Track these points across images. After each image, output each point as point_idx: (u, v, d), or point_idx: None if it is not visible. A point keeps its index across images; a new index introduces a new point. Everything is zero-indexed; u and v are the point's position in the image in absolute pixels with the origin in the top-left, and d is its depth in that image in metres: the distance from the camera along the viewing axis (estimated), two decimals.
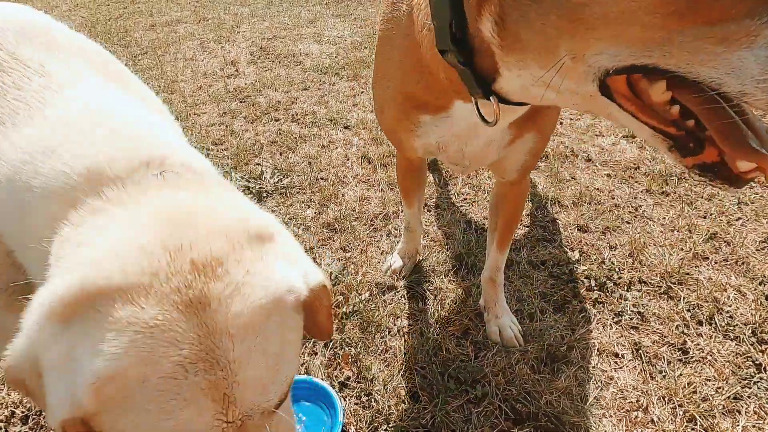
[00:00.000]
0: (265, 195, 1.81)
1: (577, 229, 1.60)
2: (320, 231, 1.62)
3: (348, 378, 1.14)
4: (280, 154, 2.09)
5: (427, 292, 1.37)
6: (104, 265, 0.44)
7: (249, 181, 1.87)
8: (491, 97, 0.61)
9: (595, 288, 1.36)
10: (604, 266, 1.43)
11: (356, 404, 1.08)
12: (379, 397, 1.08)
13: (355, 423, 1.04)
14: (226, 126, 2.33)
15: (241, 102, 2.60)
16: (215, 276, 0.45)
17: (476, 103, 0.65)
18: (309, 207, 1.75)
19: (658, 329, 1.23)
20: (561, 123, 2.28)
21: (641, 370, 1.14)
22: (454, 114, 0.80)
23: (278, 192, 1.84)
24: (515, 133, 0.87)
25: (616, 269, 1.42)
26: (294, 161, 2.02)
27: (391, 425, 1.03)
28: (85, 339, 0.42)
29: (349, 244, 1.56)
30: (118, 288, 0.42)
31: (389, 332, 1.25)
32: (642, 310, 1.28)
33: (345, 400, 1.09)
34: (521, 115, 0.79)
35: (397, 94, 0.86)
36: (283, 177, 1.91)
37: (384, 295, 1.37)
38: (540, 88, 0.54)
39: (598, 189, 1.79)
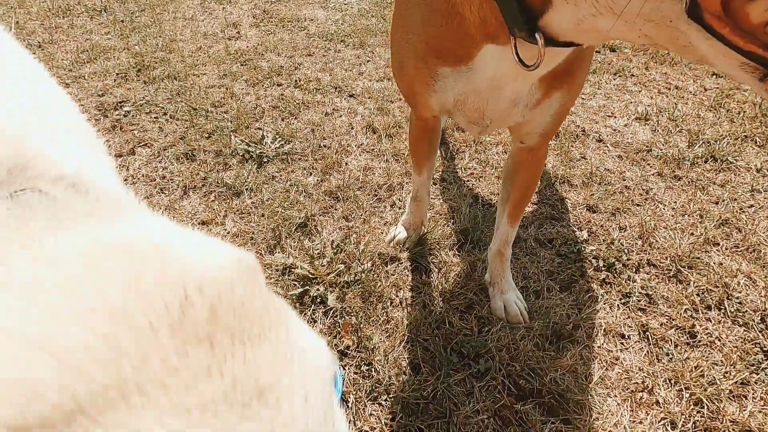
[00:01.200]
0: (265, 160, 1.75)
1: (586, 209, 1.56)
2: (322, 199, 1.56)
3: (348, 347, 1.10)
4: (282, 119, 2.02)
5: (431, 265, 1.33)
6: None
7: (249, 146, 1.80)
8: (537, 34, 0.54)
9: (603, 268, 1.33)
10: (612, 247, 1.39)
11: (356, 373, 1.05)
12: (379, 367, 1.05)
13: (354, 392, 1.01)
14: (227, 89, 2.24)
15: (242, 65, 2.50)
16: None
17: (515, 45, 0.59)
18: (311, 174, 1.69)
19: (666, 312, 1.20)
20: None
21: (647, 351, 1.12)
22: (477, 66, 0.73)
23: (279, 158, 1.77)
24: (544, 92, 0.80)
25: (625, 251, 1.38)
26: (296, 127, 1.95)
27: (391, 395, 1.00)
28: None
29: (352, 213, 1.51)
30: None
31: (391, 303, 1.22)
32: (650, 293, 1.25)
33: (344, 368, 1.06)
34: (553, 71, 0.73)
35: (417, 42, 0.79)
36: (285, 143, 1.85)
37: (386, 266, 1.33)
38: (605, 18, 0.47)
39: (608, 170, 1.74)
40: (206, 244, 0.36)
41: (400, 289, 1.26)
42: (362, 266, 1.31)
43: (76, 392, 0.23)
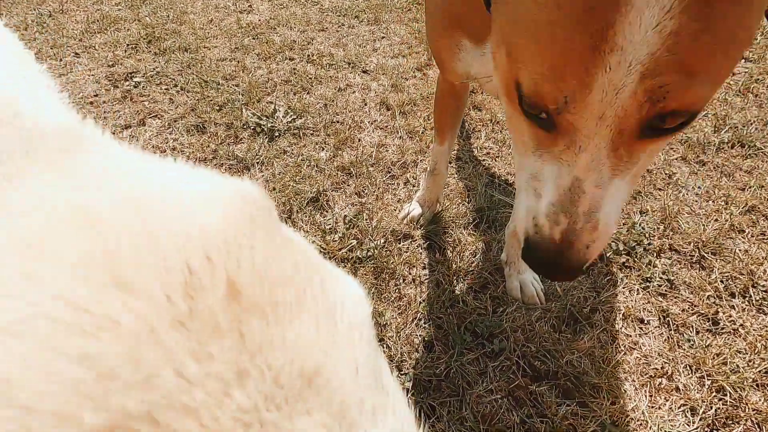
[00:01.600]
0: (277, 134, 1.71)
1: None
2: (334, 174, 1.53)
3: None
4: (294, 93, 1.97)
5: (446, 243, 1.30)
6: None
7: (260, 119, 1.76)
8: None
9: (623, 252, 1.28)
10: (633, 231, 1.34)
11: None
12: (391, 343, 1.03)
13: None
14: (238, 62, 2.19)
15: (254, 38, 2.44)
16: None
17: None
18: (323, 149, 1.65)
19: (688, 298, 1.17)
20: None
21: (668, 337, 1.08)
22: (489, 50, 0.71)
23: (291, 132, 1.73)
24: None
25: (647, 235, 1.34)
26: (308, 102, 1.90)
27: (403, 372, 0.98)
28: None
29: (365, 189, 1.48)
30: None
31: (404, 280, 1.19)
32: (672, 278, 1.21)
33: None
34: None
35: (444, 10, 0.80)
36: (297, 117, 1.80)
37: (399, 243, 1.29)
38: None
39: None
40: (199, 181, 0.29)
41: (413, 266, 1.23)
42: (374, 242, 1.28)
43: None
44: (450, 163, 1.63)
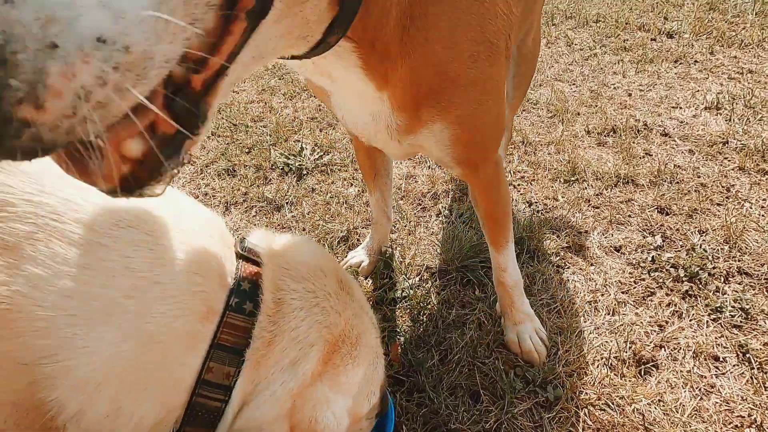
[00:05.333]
0: (305, 172, 1.71)
1: (657, 211, 1.39)
2: (364, 210, 1.50)
3: (398, 371, 1.02)
4: (320, 130, 1.98)
5: (485, 278, 1.22)
6: None
7: (288, 158, 1.77)
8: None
9: (685, 279, 1.16)
10: (694, 254, 1.22)
11: (407, 401, 0.96)
12: (434, 395, 0.95)
13: (406, 423, 0.92)
14: (265, 103, 2.24)
15: (279, 79, 2.50)
16: None
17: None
18: (352, 185, 1.63)
19: None
20: (629, 95, 2.04)
21: (750, 377, 0.95)
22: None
23: (318, 169, 1.73)
24: (411, 116, 0.66)
25: (710, 257, 1.21)
26: (334, 138, 1.90)
27: (449, 427, 0.90)
28: None
29: (396, 224, 1.43)
30: None
31: (443, 321, 1.12)
32: (746, 306, 1.08)
33: (395, 396, 0.97)
34: (411, 93, 0.62)
35: None
36: (324, 154, 1.80)
37: (435, 280, 1.23)
38: None
39: (679, 166, 1.56)
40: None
41: (452, 305, 1.16)
42: (409, 281, 1.22)
43: None
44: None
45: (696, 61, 2.24)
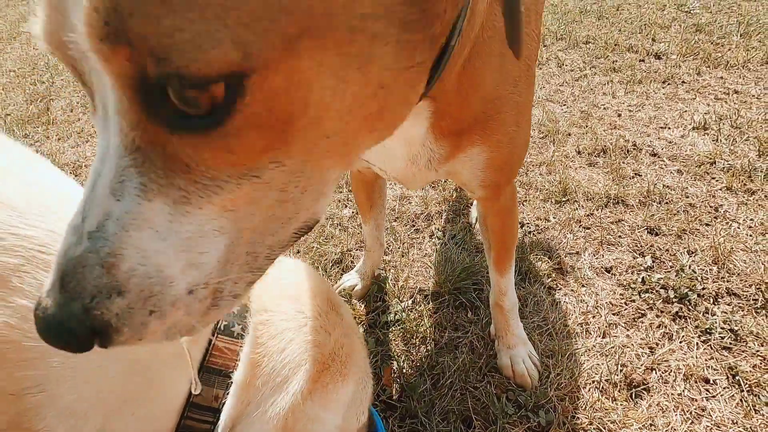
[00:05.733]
0: None
1: (647, 232, 1.41)
2: (357, 232, 1.51)
3: (390, 396, 1.02)
4: None
5: (477, 301, 1.23)
6: None
7: None
8: None
9: (675, 300, 1.17)
10: (683, 275, 1.24)
11: (400, 427, 0.96)
12: (426, 421, 0.95)
13: None
14: None
15: None
16: None
17: None
18: (346, 206, 1.65)
19: (758, 351, 1.04)
20: (619, 115, 2.08)
21: (740, 400, 0.95)
22: None
23: None
24: (451, 148, 0.66)
25: (699, 278, 1.22)
26: None
27: None
28: None
29: (389, 246, 1.45)
30: None
31: (436, 345, 1.12)
32: (735, 327, 1.09)
33: (387, 421, 0.97)
34: (457, 124, 0.63)
35: None
36: None
37: (428, 303, 1.24)
38: None
39: (668, 187, 1.59)
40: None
41: (445, 329, 1.16)
42: (402, 304, 1.22)
43: None
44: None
45: (683, 82, 2.30)
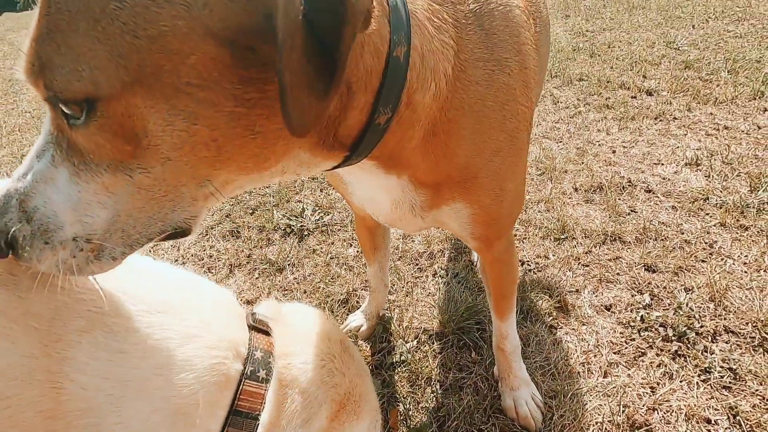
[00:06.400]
0: (306, 233, 1.78)
1: (645, 269, 1.45)
2: (363, 272, 1.55)
3: None
4: (321, 190, 2.08)
5: (480, 341, 1.26)
6: None
7: (290, 219, 1.85)
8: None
9: (674, 338, 1.20)
10: (681, 312, 1.27)
11: None
12: None
13: None
14: None
15: None
16: None
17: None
18: (351, 246, 1.70)
19: (757, 390, 1.06)
20: (614, 151, 2.15)
21: None
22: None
23: (319, 230, 1.80)
24: (431, 197, 0.69)
25: (696, 316, 1.25)
26: (335, 198, 1.99)
27: None
28: None
29: (393, 285, 1.49)
30: None
31: (441, 386, 1.15)
32: (734, 366, 1.11)
33: None
34: (432, 178, 0.66)
35: None
36: (324, 214, 1.89)
37: (433, 344, 1.27)
38: None
39: (663, 223, 1.64)
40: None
41: (449, 369, 1.19)
42: (407, 345, 1.25)
43: None
44: None
45: (675, 118, 2.38)
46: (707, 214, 1.66)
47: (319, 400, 0.65)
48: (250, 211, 1.96)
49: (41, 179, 0.45)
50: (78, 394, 0.46)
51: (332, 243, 1.72)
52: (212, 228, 1.88)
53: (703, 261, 1.45)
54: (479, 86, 0.62)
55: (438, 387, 1.14)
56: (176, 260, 1.73)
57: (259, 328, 0.67)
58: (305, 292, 1.49)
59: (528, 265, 1.52)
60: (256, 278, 1.59)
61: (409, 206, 0.72)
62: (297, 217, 1.87)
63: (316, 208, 1.92)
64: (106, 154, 0.44)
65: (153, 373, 0.50)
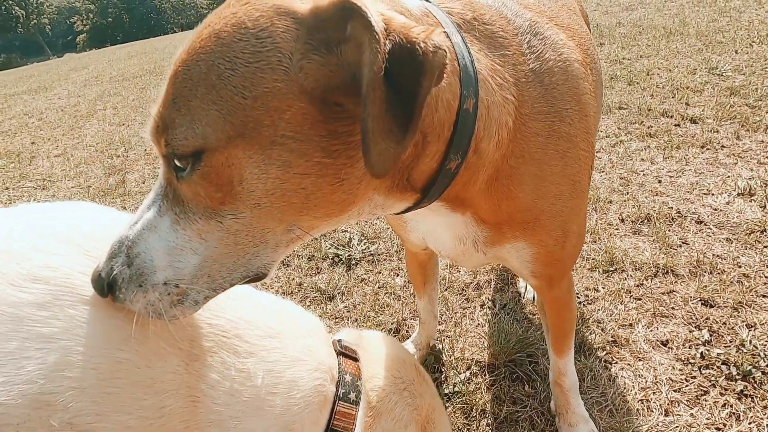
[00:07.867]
0: (354, 262, 1.85)
1: (701, 304, 1.42)
2: (411, 301, 1.59)
3: None
4: (366, 221, 2.16)
5: (534, 374, 1.26)
6: None
7: (338, 249, 1.93)
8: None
9: (738, 377, 1.16)
10: (744, 350, 1.23)
11: None
12: None
13: None
14: None
15: None
16: None
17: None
18: (398, 275, 1.75)
19: None
20: (659, 181, 2.13)
21: None
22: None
23: (366, 259, 1.87)
24: (494, 233, 0.72)
25: (761, 354, 1.21)
26: (379, 228, 2.06)
27: None
28: None
29: (442, 315, 1.51)
30: None
31: (496, 419, 1.15)
32: None
33: None
34: (494, 218, 0.70)
35: None
36: (371, 244, 1.95)
37: (485, 375, 1.28)
38: None
39: (718, 256, 1.60)
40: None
41: (503, 402, 1.20)
42: (460, 375, 1.27)
43: None
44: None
45: (723, 146, 2.34)
46: (765, 246, 1.61)
47: (404, 422, 0.69)
48: None
49: (147, 227, 0.52)
50: (209, 407, 0.53)
51: (380, 272, 1.78)
52: None
53: (764, 296, 1.41)
54: (539, 137, 0.67)
55: (493, 420, 1.15)
56: None
57: (345, 353, 0.73)
58: (356, 320, 1.54)
59: (578, 297, 1.52)
60: (308, 306, 1.66)
61: (472, 242, 0.76)
62: (344, 247, 1.94)
63: (363, 238, 1.99)
64: (202, 201, 0.50)
65: (268, 392, 0.57)
